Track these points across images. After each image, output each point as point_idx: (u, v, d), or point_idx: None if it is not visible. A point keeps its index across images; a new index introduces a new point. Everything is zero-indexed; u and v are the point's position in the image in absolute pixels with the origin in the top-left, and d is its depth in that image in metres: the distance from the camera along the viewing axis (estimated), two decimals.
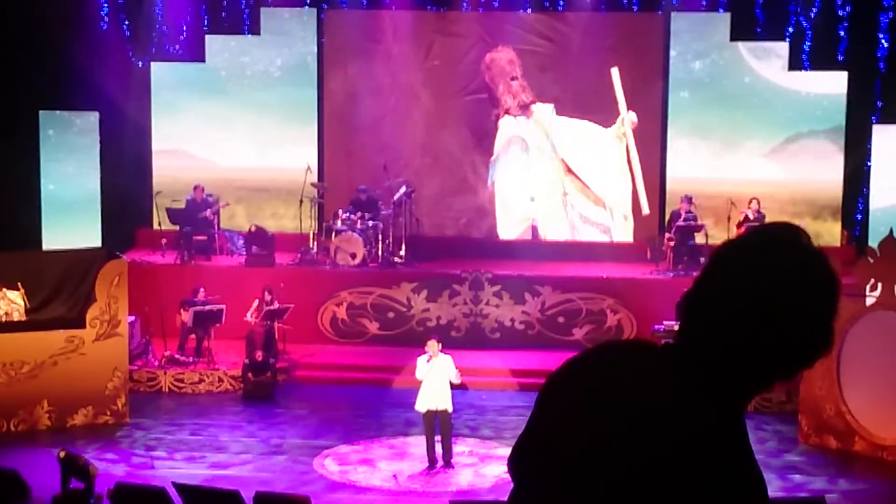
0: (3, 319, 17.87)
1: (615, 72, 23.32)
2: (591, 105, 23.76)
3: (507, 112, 23.96)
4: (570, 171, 23.97)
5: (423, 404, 15.53)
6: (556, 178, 24.03)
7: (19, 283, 17.99)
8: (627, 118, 23.44)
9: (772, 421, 18.11)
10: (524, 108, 23.94)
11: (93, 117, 23.49)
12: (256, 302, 19.81)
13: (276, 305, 20.00)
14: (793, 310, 2.73)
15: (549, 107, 23.84)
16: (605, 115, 23.65)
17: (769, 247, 2.79)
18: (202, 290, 20.30)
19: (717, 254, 2.86)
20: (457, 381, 15.67)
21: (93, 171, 23.44)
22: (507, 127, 24.01)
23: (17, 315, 17.89)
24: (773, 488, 14.98)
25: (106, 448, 16.44)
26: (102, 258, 18.25)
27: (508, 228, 24.14)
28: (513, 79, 23.88)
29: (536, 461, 2.88)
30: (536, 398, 2.94)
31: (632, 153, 23.59)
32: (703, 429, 2.72)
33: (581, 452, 2.77)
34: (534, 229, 24.14)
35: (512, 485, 2.94)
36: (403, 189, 22.87)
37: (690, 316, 2.83)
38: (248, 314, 19.78)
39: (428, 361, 15.47)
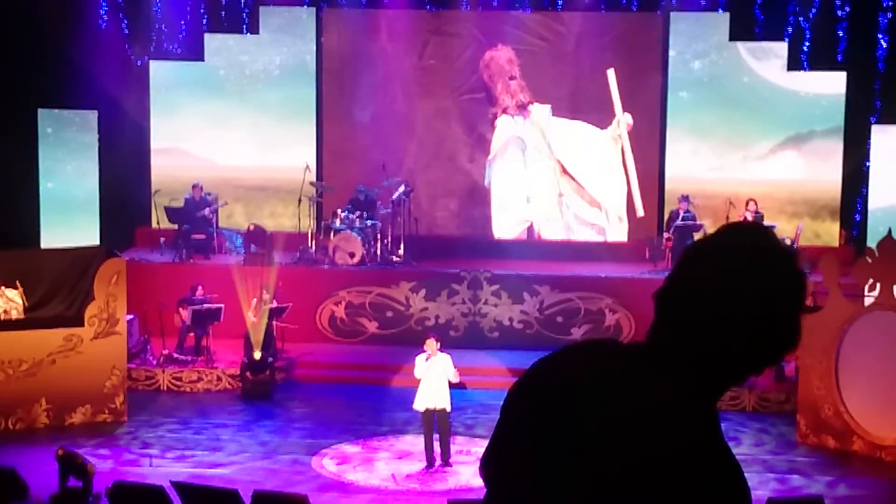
0: (2, 318, 17.87)
1: (611, 73, 23.32)
2: (587, 106, 23.77)
3: (504, 111, 23.96)
4: (565, 171, 23.96)
5: (421, 403, 15.54)
6: (553, 179, 24.03)
7: (18, 282, 18.00)
8: (623, 120, 23.44)
9: (770, 421, 18.12)
10: (522, 108, 23.93)
11: (91, 115, 23.48)
12: (255, 301, 19.79)
13: (274, 304, 19.99)
14: (763, 314, 2.76)
15: (547, 107, 23.84)
16: (601, 115, 23.66)
17: (738, 247, 2.80)
18: (200, 288, 20.29)
19: (687, 253, 2.88)
20: (455, 380, 15.68)
21: (91, 170, 23.44)
22: (505, 127, 24.01)
23: (16, 313, 17.90)
24: (772, 489, 15.00)
25: (104, 446, 16.44)
26: (101, 256, 18.24)
27: (505, 229, 24.14)
28: (511, 78, 23.88)
29: (511, 464, 2.86)
30: (505, 399, 2.92)
31: (627, 155, 23.59)
32: (686, 428, 2.73)
33: (558, 454, 2.76)
34: (530, 230, 24.15)
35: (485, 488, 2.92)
36: (402, 188, 22.88)
37: (662, 315, 2.85)
38: (249, 312, 19.74)
39: (426, 360, 15.48)
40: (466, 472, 15.62)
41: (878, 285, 16.37)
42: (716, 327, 2.76)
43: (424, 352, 15.57)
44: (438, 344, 15.66)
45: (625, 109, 23.61)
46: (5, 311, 18.07)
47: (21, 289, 18.13)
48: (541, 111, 23.88)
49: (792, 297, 2.80)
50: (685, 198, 22.03)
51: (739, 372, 2.82)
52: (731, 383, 2.83)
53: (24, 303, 18.15)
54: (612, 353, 2.91)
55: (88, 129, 23.47)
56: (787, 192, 23.29)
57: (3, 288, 18.12)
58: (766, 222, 21.77)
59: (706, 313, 2.77)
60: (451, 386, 15.70)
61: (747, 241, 2.82)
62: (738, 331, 2.75)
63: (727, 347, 2.77)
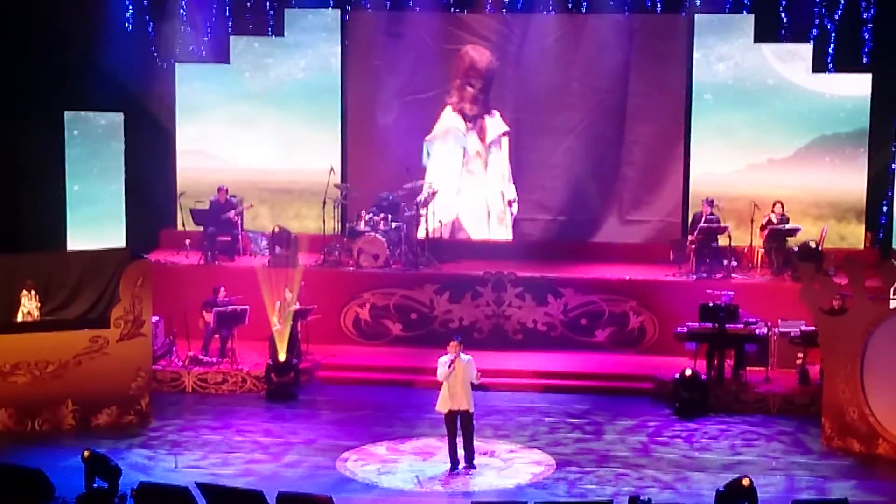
0: (27, 319, 17.97)
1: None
2: (594, 108, 23.83)
3: (453, 107, 24.10)
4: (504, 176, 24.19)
5: (444, 405, 15.56)
6: (486, 179, 24.17)
7: (31, 286, 18.13)
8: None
9: (795, 424, 18.07)
10: (472, 117, 24.09)
11: (118, 118, 23.58)
12: (278, 304, 19.84)
13: (297, 306, 20.03)
14: None
15: (498, 122, 24.02)
16: (603, 118, 23.82)
17: None
18: (223, 289, 20.34)
19: None
20: (476, 381, 15.69)
21: (117, 172, 23.54)
22: (450, 117, 24.16)
23: (31, 317, 18.01)
24: (797, 492, 14.97)
25: (130, 447, 16.51)
26: (127, 258, 18.33)
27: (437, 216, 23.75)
28: (469, 85, 23.94)
29: None
30: None
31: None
32: None
33: None
34: (455, 224, 24.05)
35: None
36: (427, 190, 22.91)
37: None
38: (273, 319, 19.76)
39: (450, 363, 15.49)
40: (490, 474, 15.64)
41: None
42: None
43: (448, 354, 15.58)
44: (462, 346, 15.67)
45: (648, 113, 23.59)
46: (29, 312, 18.20)
47: (33, 293, 18.24)
48: (494, 123, 24.02)
49: None
50: (709, 201, 21.99)
51: None
52: None
53: (38, 305, 18.28)
54: None
55: (114, 132, 23.57)
56: (812, 195, 23.22)
57: (26, 291, 18.26)
58: (791, 225, 21.75)
59: None
60: (474, 388, 15.72)
61: None
62: None
63: None
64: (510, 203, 24.09)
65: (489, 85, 24.05)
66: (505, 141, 24.08)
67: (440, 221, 23.23)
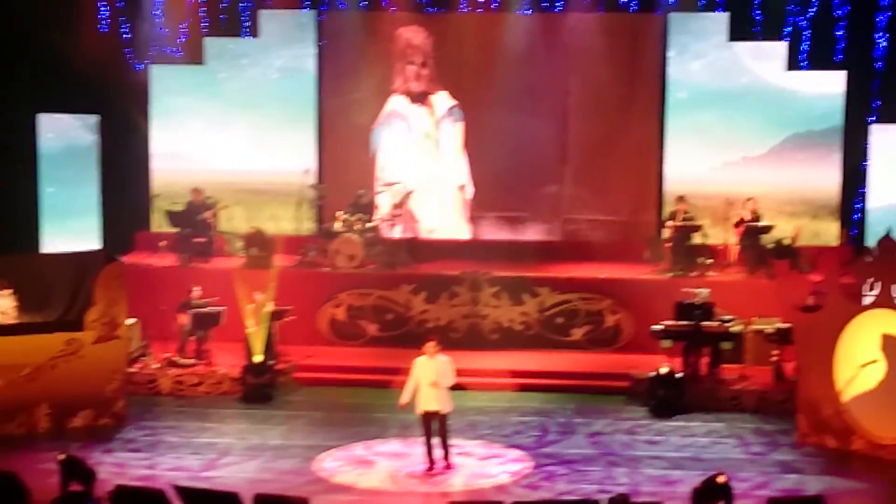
0: (1, 319, 17.88)
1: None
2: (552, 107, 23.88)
3: (400, 92, 24.16)
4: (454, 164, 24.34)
5: (421, 405, 15.55)
6: (435, 168, 24.29)
7: (8, 286, 18.02)
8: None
9: (770, 420, 18.14)
10: (418, 95, 24.19)
11: (92, 120, 23.53)
12: (253, 306, 19.78)
13: (273, 307, 19.98)
14: None
15: (446, 100, 24.12)
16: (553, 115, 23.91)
17: None
18: (198, 290, 20.29)
19: None
20: (452, 382, 15.66)
21: (92, 174, 23.49)
22: (396, 103, 24.31)
23: (7, 318, 17.90)
24: (772, 488, 15.02)
25: (106, 451, 16.45)
26: (102, 261, 18.26)
27: (385, 207, 23.80)
28: (409, 63, 24.03)
29: None
30: None
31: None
32: None
33: None
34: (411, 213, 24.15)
35: None
36: (402, 190, 22.93)
37: None
38: (249, 320, 19.71)
39: (426, 363, 15.48)
40: (467, 474, 15.64)
41: (878, 284, 16.37)
42: None
43: (424, 354, 15.58)
44: (438, 346, 15.67)
45: (625, 111, 23.68)
46: (3, 312, 18.09)
47: (6, 291, 18.12)
48: (441, 102, 24.01)
49: None
50: (683, 199, 22.07)
51: None
52: None
53: (15, 304, 18.17)
54: None
55: (89, 134, 23.51)
56: (786, 192, 23.32)
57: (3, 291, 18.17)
58: (764, 222, 21.82)
59: None
60: (451, 388, 15.71)
61: None
62: None
63: None
64: (462, 187, 24.17)
65: (428, 60, 24.12)
66: (458, 114, 24.11)
67: (404, 217, 23.21)
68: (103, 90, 23.52)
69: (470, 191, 24.26)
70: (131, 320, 19.29)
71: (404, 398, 15.62)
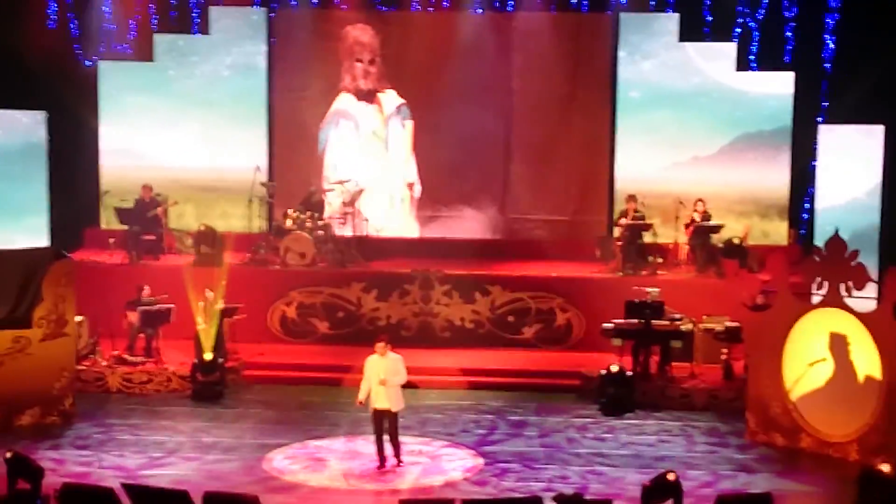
0: None
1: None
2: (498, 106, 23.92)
3: (347, 90, 24.17)
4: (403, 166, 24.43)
5: (371, 404, 15.53)
6: (383, 168, 24.32)
7: None
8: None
9: (720, 418, 18.24)
10: (367, 93, 24.18)
11: (40, 116, 23.33)
12: (203, 303, 19.70)
13: (222, 304, 19.91)
14: None
15: (393, 99, 24.15)
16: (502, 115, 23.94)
17: None
18: (147, 287, 20.17)
19: None
20: (402, 380, 15.63)
21: (40, 171, 23.28)
22: (344, 101, 24.29)
23: None
24: (721, 486, 15.11)
25: (53, 448, 16.33)
26: (50, 258, 18.11)
27: (334, 207, 23.80)
28: (358, 60, 24.06)
29: None
30: None
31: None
32: None
33: None
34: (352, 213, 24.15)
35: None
36: (353, 188, 22.90)
37: None
38: (199, 318, 19.62)
39: (377, 361, 15.47)
40: (417, 472, 15.64)
41: (826, 284, 16.49)
42: None
43: (375, 352, 15.56)
44: (389, 345, 15.65)
45: (576, 110, 23.77)
46: None
47: None
48: (389, 100, 24.04)
49: None
50: (633, 198, 22.16)
51: None
52: None
53: None
54: None
55: (37, 130, 23.32)
56: (736, 192, 23.44)
57: None
58: (713, 222, 21.93)
59: None
60: (401, 386, 15.69)
61: None
62: None
63: None
64: (410, 185, 24.19)
65: (376, 57, 24.15)
66: (406, 112, 24.12)
67: (355, 215, 23.16)
68: (52, 86, 23.33)
69: (418, 189, 24.27)
70: (80, 318, 19.17)
71: (361, 396, 15.60)
